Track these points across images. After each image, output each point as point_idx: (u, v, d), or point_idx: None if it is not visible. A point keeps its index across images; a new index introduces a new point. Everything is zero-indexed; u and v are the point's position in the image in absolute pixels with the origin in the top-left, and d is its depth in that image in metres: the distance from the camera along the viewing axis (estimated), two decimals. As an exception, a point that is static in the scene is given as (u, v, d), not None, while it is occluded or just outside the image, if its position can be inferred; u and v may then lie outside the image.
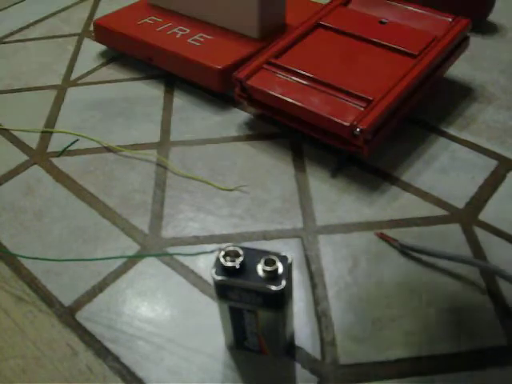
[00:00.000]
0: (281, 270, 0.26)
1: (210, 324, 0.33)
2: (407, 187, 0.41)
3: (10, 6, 0.71)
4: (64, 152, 0.46)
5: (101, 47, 0.60)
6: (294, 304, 0.34)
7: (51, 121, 0.50)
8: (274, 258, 0.26)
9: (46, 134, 0.48)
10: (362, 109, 0.40)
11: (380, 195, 0.40)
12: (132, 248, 0.38)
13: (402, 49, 0.45)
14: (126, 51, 0.56)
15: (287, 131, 0.47)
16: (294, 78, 0.44)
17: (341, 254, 0.36)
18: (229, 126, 0.48)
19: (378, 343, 0.31)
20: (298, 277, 0.35)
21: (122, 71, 0.56)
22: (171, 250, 0.38)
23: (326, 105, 0.41)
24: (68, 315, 0.34)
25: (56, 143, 0.47)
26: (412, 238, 0.37)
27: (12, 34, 0.65)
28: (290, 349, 0.31)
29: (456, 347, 0.31)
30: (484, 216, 0.38)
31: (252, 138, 0.46)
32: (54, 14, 0.68)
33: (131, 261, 0.37)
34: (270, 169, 0.43)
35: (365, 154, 0.41)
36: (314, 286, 0.35)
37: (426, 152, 0.44)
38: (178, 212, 0.40)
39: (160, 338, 0.32)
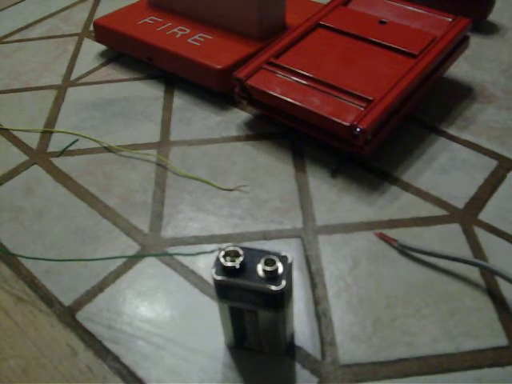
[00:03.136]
0: (281, 270, 0.26)
1: (210, 324, 0.33)
2: (407, 187, 0.41)
3: (9, 6, 0.71)
4: (64, 152, 0.46)
5: (101, 47, 0.60)
6: (294, 304, 0.34)
7: (51, 121, 0.50)
8: (274, 258, 0.26)
9: (46, 134, 0.48)
10: (362, 109, 0.40)
11: (380, 195, 0.40)
12: (132, 248, 0.38)
13: (402, 49, 0.45)
14: (126, 51, 0.56)
15: (287, 131, 0.47)
16: (293, 77, 0.44)
17: (341, 254, 0.36)
18: (229, 126, 0.48)
19: (378, 343, 0.31)
20: (298, 277, 0.35)
21: (121, 71, 0.56)
22: (171, 250, 0.38)
23: (326, 105, 0.41)
24: (68, 315, 0.34)
25: (56, 143, 0.47)
26: (412, 238, 0.37)
27: (12, 34, 0.65)
28: (290, 349, 0.31)
29: (456, 347, 0.31)
30: (484, 216, 0.38)
31: (252, 138, 0.46)
32: (53, 14, 0.68)
33: (131, 261, 0.37)
34: (270, 169, 0.43)
35: (365, 154, 0.41)
36: (313, 286, 0.35)
37: (426, 152, 0.44)
38: (178, 212, 0.40)
39: (160, 338, 0.32)
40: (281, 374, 0.30)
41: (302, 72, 0.44)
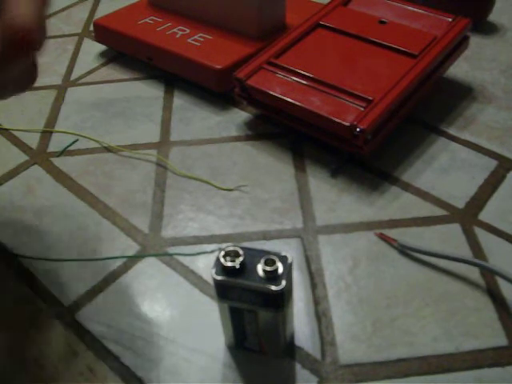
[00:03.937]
0: (281, 269, 0.26)
1: (210, 324, 0.33)
2: (407, 187, 0.41)
3: (9, 6, 0.71)
4: (64, 152, 0.46)
5: (101, 47, 0.60)
6: (294, 304, 0.34)
7: (51, 121, 0.50)
8: (274, 258, 0.26)
9: (46, 134, 0.48)
10: (362, 109, 0.40)
11: (380, 195, 0.40)
12: (132, 248, 0.38)
13: (402, 49, 0.45)
14: (126, 51, 0.56)
15: (287, 131, 0.47)
16: (293, 77, 0.44)
17: (341, 254, 0.36)
18: (229, 126, 0.48)
19: (378, 343, 0.31)
20: (298, 277, 0.35)
21: (121, 71, 0.56)
22: (171, 250, 0.38)
23: (326, 105, 0.41)
24: (68, 315, 0.34)
25: (56, 143, 0.47)
26: (412, 238, 0.37)
27: (12, 33, 0.65)
28: (290, 349, 0.31)
29: (456, 347, 0.31)
30: (484, 216, 0.38)
31: (252, 138, 0.46)
32: (53, 14, 0.68)
33: (131, 261, 0.37)
34: (270, 169, 0.43)
35: (365, 154, 0.41)
36: (314, 286, 0.35)
37: (426, 152, 0.44)
38: (178, 212, 0.40)
39: (160, 338, 0.32)
40: (281, 374, 0.30)
41: (302, 72, 0.44)
